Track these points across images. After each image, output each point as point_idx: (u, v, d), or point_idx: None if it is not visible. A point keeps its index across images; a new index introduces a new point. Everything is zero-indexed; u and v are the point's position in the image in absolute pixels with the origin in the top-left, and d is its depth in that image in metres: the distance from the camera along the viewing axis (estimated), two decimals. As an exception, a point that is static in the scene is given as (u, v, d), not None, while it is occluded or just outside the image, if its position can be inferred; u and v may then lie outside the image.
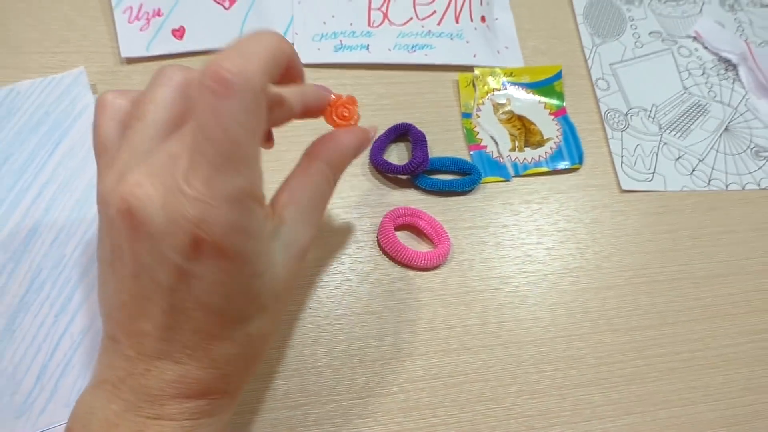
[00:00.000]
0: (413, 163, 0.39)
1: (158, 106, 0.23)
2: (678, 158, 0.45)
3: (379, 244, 0.38)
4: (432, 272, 0.39)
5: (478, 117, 0.43)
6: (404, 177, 0.40)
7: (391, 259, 0.38)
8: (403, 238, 0.39)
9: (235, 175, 0.21)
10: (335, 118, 0.30)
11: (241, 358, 0.25)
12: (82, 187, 0.36)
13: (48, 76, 0.39)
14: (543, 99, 0.45)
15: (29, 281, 0.34)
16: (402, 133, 0.42)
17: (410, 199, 0.40)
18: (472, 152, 0.42)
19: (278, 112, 0.24)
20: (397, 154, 0.42)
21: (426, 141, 0.40)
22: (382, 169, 0.40)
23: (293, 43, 0.43)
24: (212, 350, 0.24)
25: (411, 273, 0.38)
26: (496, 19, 0.47)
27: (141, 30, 0.41)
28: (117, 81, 0.40)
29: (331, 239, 0.39)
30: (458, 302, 0.38)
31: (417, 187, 0.40)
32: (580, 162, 0.43)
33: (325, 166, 0.28)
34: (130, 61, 0.41)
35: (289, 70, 0.25)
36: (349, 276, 0.38)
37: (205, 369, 0.24)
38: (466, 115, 0.43)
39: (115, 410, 0.23)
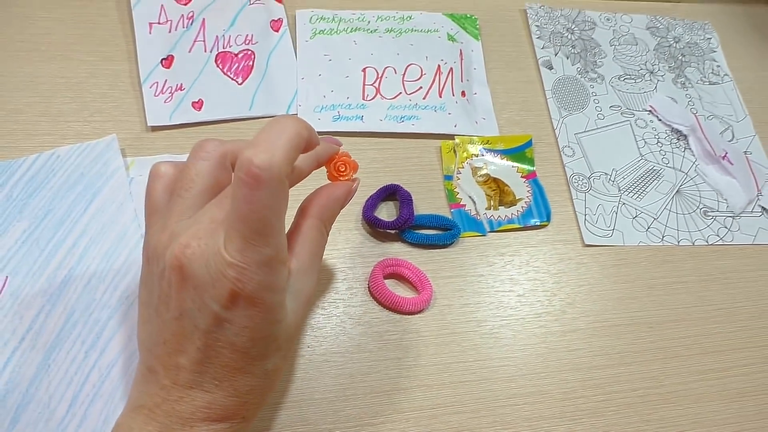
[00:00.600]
0: (400, 219, 0.45)
1: (202, 177, 0.29)
2: (635, 217, 0.51)
3: (369, 290, 0.44)
4: (416, 316, 0.44)
5: (459, 179, 0.49)
6: (393, 232, 0.46)
7: (381, 304, 0.43)
8: (391, 285, 0.44)
9: (264, 245, 0.26)
10: (334, 173, 0.35)
11: (258, 388, 0.30)
12: (111, 240, 0.42)
13: (84, 142, 0.45)
14: (515, 164, 0.51)
15: (63, 321, 0.39)
16: (391, 192, 0.47)
17: (398, 251, 0.46)
18: (452, 210, 0.48)
19: (295, 177, 0.31)
20: (387, 211, 0.48)
21: (412, 200, 0.46)
22: (373, 225, 0.46)
23: (296, 113, 0.50)
24: (236, 382, 0.28)
25: (398, 317, 0.44)
26: (475, 93, 0.54)
27: (165, 102, 0.48)
28: (143, 146, 0.46)
29: (327, 286, 0.44)
30: (439, 342, 0.43)
31: (404, 241, 0.46)
32: (548, 219, 0.49)
33: (317, 221, 0.32)
34: (155, 129, 0.47)
35: (307, 147, 0.29)
36: (343, 319, 0.43)
37: (229, 397, 0.29)
38: (448, 177, 0.49)
39: (150, 431, 0.28)
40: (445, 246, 0.47)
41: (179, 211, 0.29)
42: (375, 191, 0.47)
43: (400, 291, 0.44)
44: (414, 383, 0.41)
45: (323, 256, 0.33)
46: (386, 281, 0.44)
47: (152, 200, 0.31)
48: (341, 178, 0.35)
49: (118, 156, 0.44)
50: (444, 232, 0.46)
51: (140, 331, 0.31)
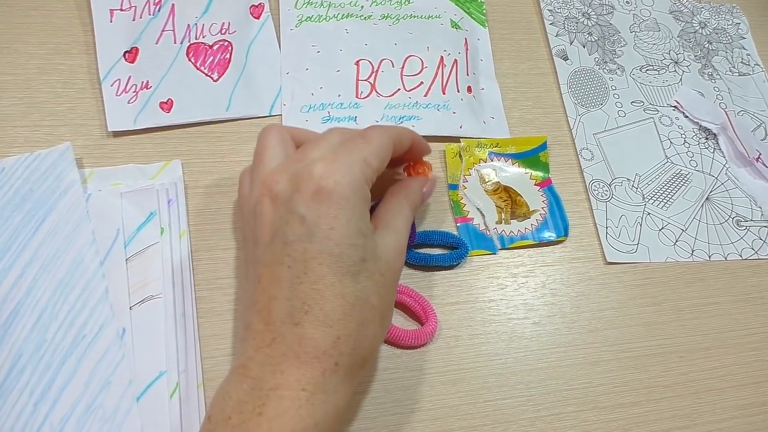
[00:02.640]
0: None
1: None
2: (661, 229, 0.45)
3: None
4: (419, 350, 0.38)
5: (465, 188, 0.43)
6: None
7: None
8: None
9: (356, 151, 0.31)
10: (412, 172, 0.40)
11: (350, 320, 0.28)
12: (65, 268, 0.36)
13: (34, 151, 0.38)
14: (528, 170, 0.45)
15: (9, 366, 0.33)
16: None
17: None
18: (459, 224, 0.42)
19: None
20: None
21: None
22: None
23: (280, 114, 0.44)
24: (326, 304, 0.28)
25: (398, 351, 0.38)
26: (482, 89, 0.48)
27: (129, 102, 0.41)
28: (104, 155, 0.40)
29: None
30: (445, 380, 0.38)
31: (405, 262, 0.40)
32: (566, 234, 0.43)
33: (400, 196, 0.36)
34: (117, 134, 0.41)
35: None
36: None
37: (320, 327, 0.28)
38: (453, 187, 0.44)
39: (245, 389, 0.27)
40: (451, 267, 0.41)
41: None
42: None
43: (401, 322, 0.39)
44: (417, 430, 0.36)
45: (407, 234, 0.34)
46: None
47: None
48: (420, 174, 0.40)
49: (74, 167, 0.38)
50: (450, 252, 0.41)
51: (239, 295, 0.36)
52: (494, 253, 0.42)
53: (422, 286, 0.40)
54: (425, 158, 0.39)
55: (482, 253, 0.42)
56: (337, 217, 0.28)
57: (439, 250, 0.41)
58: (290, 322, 0.28)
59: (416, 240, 0.40)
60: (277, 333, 0.28)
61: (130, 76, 0.42)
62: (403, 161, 0.39)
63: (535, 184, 0.45)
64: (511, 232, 0.43)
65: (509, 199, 0.44)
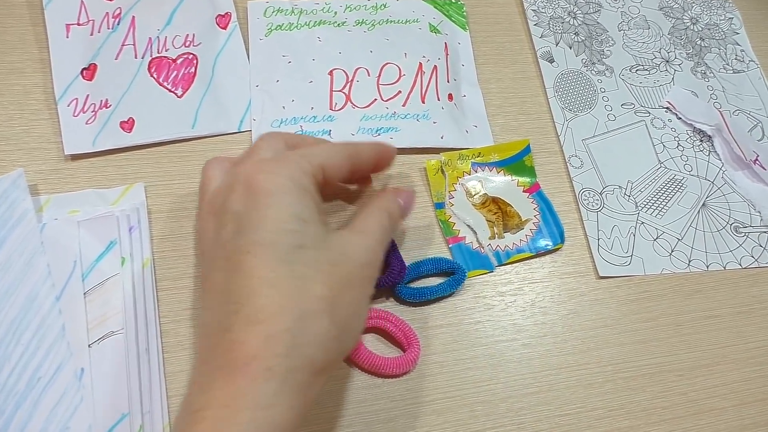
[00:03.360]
0: (391, 275, 0.36)
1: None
2: (656, 238, 0.43)
3: None
4: (402, 378, 0.36)
5: (452, 205, 0.41)
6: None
7: (357, 366, 0.36)
8: (371, 341, 0.37)
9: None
10: None
11: (285, 313, 0.25)
12: (17, 306, 0.33)
13: (-16, 179, 0.36)
14: (515, 177, 0.43)
15: (-43, 415, 0.31)
16: None
17: (386, 306, 0.38)
18: (451, 245, 0.40)
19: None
20: None
21: (396, 246, 0.38)
22: None
23: (250, 129, 0.41)
24: (257, 299, 0.25)
25: (379, 381, 0.36)
26: (464, 96, 0.45)
27: (87, 123, 0.39)
28: (61, 180, 0.38)
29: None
30: (430, 411, 0.36)
31: (398, 298, 0.38)
32: (562, 241, 0.41)
33: (380, 205, 0.33)
34: (75, 157, 0.38)
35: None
36: (313, 387, 0.35)
37: (248, 326, 0.25)
38: (439, 206, 0.41)
39: (181, 416, 0.25)
40: (450, 296, 0.39)
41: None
42: None
43: (381, 349, 0.37)
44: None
45: (379, 238, 0.31)
46: (364, 336, 0.36)
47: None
48: None
49: (26, 195, 0.36)
50: (446, 280, 0.38)
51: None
52: (491, 272, 0.40)
53: (403, 309, 0.38)
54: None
55: (479, 273, 0.40)
56: (270, 205, 0.27)
57: (435, 279, 0.39)
58: (221, 328, 0.25)
59: (408, 274, 0.37)
60: (210, 345, 0.25)
61: (88, 95, 0.40)
62: (373, 172, 0.37)
63: (523, 191, 0.43)
64: (506, 246, 0.41)
65: (499, 211, 0.42)
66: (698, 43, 0.52)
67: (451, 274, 0.38)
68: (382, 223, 0.32)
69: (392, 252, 0.37)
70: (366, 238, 0.30)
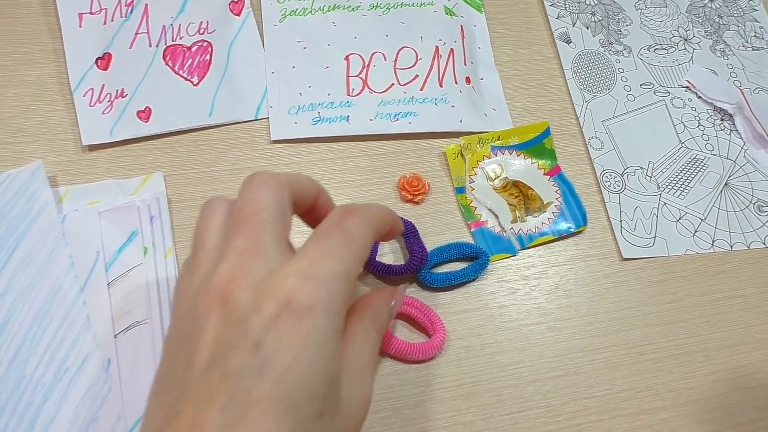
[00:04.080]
0: (413, 262, 0.36)
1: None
2: (679, 219, 0.42)
3: None
4: (427, 363, 0.36)
5: (473, 190, 0.41)
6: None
7: (385, 353, 0.35)
8: (397, 327, 0.36)
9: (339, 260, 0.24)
10: (408, 188, 0.40)
11: None
12: (41, 298, 0.33)
13: (2, 171, 0.36)
14: (535, 159, 0.43)
15: (-14, 408, 0.31)
16: None
17: (411, 291, 0.38)
18: (473, 230, 0.40)
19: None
20: (390, 250, 0.39)
21: (417, 232, 0.37)
22: (382, 274, 0.37)
23: (266, 117, 0.41)
24: None
25: (405, 366, 0.36)
26: (482, 79, 0.45)
27: (104, 113, 0.39)
28: (80, 171, 0.37)
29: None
30: (457, 395, 0.35)
31: (421, 283, 0.38)
32: (585, 223, 0.41)
33: (366, 321, 0.28)
34: (93, 148, 0.38)
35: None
36: (339, 374, 0.35)
37: None
38: (460, 190, 0.41)
39: None
40: (474, 281, 0.38)
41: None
42: None
43: (406, 335, 0.36)
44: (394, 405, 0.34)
45: (374, 374, 0.28)
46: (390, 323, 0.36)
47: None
48: (416, 197, 0.40)
49: (46, 187, 0.36)
50: (470, 264, 0.38)
51: (141, 426, 0.23)
52: (514, 255, 0.40)
53: (427, 295, 0.37)
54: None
55: (503, 257, 0.39)
56: (301, 354, 0.21)
57: (458, 264, 0.38)
58: None
59: (431, 260, 0.37)
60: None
61: (103, 85, 0.39)
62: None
63: (544, 174, 0.42)
64: (529, 229, 0.40)
65: (521, 195, 0.41)
66: (716, 20, 0.52)
67: (475, 259, 0.38)
68: (374, 349, 0.28)
69: (413, 238, 0.37)
70: (366, 385, 0.26)
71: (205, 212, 0.26)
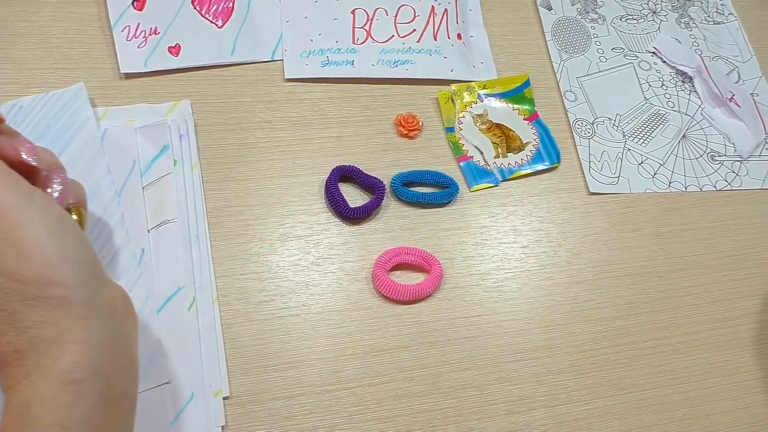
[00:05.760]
0: (378, 188, 0.42)
1: None
2: (641, 163, 0.48)
3: (378, 291, 0.40)
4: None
5: (461, 129, 0.46)
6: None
7: (399, 302, 0.40)
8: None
9: None
10: (404, 124, 0.45)
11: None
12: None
13: (50, 91, 0.41)
14: (516, 106, 0.48)
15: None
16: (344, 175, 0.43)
17: (393, 210, 0.43)
18: (461, 163, 0.45)
19: None
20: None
21: (359, 169, 0.43)
22: (365, 214, 0.42)
23: (281, 59, 0.46)
24: None
25: (397, 271, 0.41)
26: (471, 36, 0.51)
27: (139, 47, 0.44)
28: (117, 95, 0.43)
29: (323, 240, 0.41)
30: (441, 297, 0.41)
31: (397, 197, 0.43)
32: (558, 161, 0.46)
33: None
34: (129, 76, 0.43)
35: None
36: (339, 275, 0.40)
37: None
38: (450, 129, 0.46)
39: None
40: (442, 205, 0.44)
41: None
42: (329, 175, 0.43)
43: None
44: (417, 340, 0.39)
45: None
46: (391, 274, 0.41)
47: None
48: (410, 132, 0.45)
49: (87, 106, 0.41)
50: (441, 191, 0.43)
51: None
52: (497, 185, 0.45)
53: (416, 215, 0.43)
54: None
55: (486, 187, 0.45)
56: None
57: (431, 189, 0.44)
58: None
59: (411, 178, 0.43)
60: None
61: (139, 23, 0.44)
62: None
63: (524, 119, 0.48)
64: (509, 164, 0.46)
65: (503, 135, 0.47)
66: (683, -3, 0.58)
67: (446, 188, 0.44)
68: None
69: (362, 175, 0.42)
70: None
71: None
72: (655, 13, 0.56)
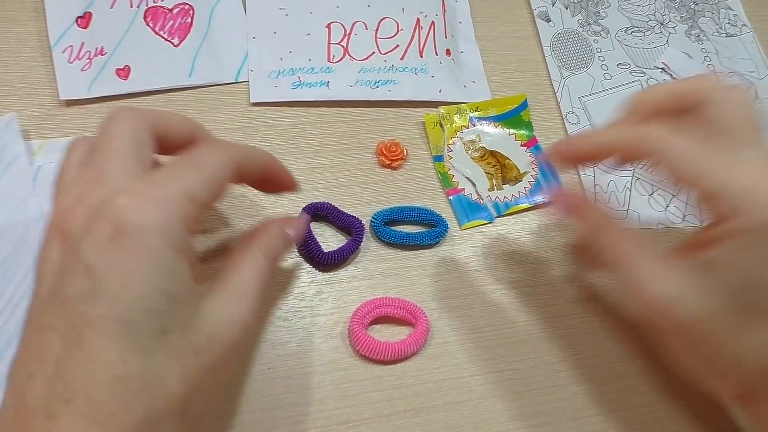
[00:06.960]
0: (357, 228, 0.37)
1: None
2: (651, 194, 0.43)
3: (354, 350, 0.35)
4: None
5: (451, 158, 0.41)
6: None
7: (384, 362, 0.35)
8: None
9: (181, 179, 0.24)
10: (386, 153, 0.40)
11: (130, 413, 0.21)
12: (9, 247, 0.33)
13: (-23, 121, 0.35)
14: (512, 131, 0.43)
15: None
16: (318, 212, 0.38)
17: (373, 253, 0.38)
18: (450, 197, 0.40)
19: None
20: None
21: (335, 206, 0.37)
22: (340, 259, 0.36)
23: (247, 80, 0.41)
24: (97, 390, 0.21)
25: (377, 325, 0.36)
26: (462, 52, 0.45)
27: (82, 70, 0.38)
28: (56, 125, 0.37)
29: (289, 290, 0.36)
30: (428, 355, 0.35)
31: (378, 239, 0.38)
32: (559, 194, 0.41)
33: (254, 248, 0.29)
34: (70, 103, 0.38)
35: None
36: (311, 331, 0.35)
37: (80, 423, 0.21)
38: (438, 158, 0.41)
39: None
40: (429, 246, 0.38)
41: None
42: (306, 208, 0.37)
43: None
44: (399, 407, 0.34)
45: (256, 298, 0.27)
46: (372, 329, 0.35)
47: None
48: (394, 163, 0.40)
49: (18, 139, 0.35)
50: (428, 230, 0.38)
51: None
52: (491, 222, 0.40)
53: (400, 258, 0.38)
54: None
55: (479, 224, 0.40)
56: (134, 272, 0.21)
57: (416, 228, 0.39)
58: (44, 414, 0.20)
59: (394, 215, 0.38)
60: (23, 423, 0.20)
61: (83, 42, 0.39)
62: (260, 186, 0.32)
63: (521, 145, 0.43)
64: (505, 197, 0.41)
65: (498, 164, 0.42)
66: (692, 7, 0.53)
67: (434, 227, 0.38)
68: (262, 275, 0.28)
69: (338, 214, 0.37)
70: (241, 305, 0.26)
71: (66, 152, 0.26)
72: (662, 24, 0.51)
